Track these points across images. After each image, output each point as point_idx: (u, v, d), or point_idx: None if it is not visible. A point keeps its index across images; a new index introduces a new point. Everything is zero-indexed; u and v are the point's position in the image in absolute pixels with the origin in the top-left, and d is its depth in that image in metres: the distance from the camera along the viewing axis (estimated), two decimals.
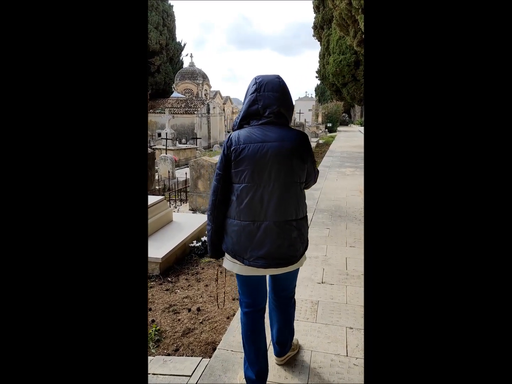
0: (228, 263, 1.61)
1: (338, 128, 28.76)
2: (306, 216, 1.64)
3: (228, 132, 22.26)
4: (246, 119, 1.56)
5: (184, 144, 15.00)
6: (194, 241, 3.79)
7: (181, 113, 18.57)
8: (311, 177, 1.66)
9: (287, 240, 1.52)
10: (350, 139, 17.81)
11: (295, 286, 1.83)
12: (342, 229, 4.19)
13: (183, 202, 6.13)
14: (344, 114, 36.32)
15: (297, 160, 1.52)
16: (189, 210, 5.49)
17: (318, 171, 1.74)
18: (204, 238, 3.86)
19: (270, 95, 1.51)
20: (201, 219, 4.39)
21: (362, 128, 26.43)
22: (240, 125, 1.58)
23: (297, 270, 1.71)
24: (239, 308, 1.77)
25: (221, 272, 2.70)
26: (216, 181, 1.56)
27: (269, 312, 1.84)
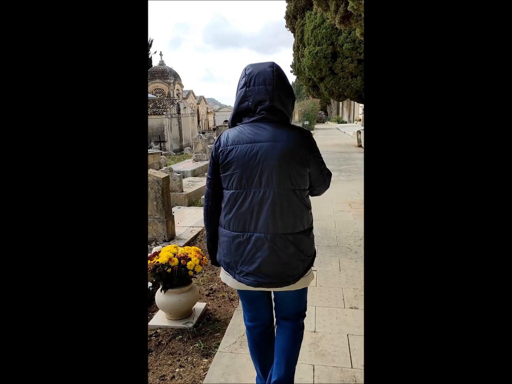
0: (223, 274, 1.49)
1: (315, 126, 27.95)
2: (310, 228, 1.42)
3: (203, 133, 21.31)
4: (239, 117, 1.39)
5: (152, 148, 13.64)
6: None
7: (149, 114, 17.19)
8: (319, 182, 1.44)
9: (281, 257, 1.33)
10: (329, 137, 16.97)
11: (304, 309, 1.57)
12: (334, 269, 2.99)
13: None
14: (320, 111, 35.60)
15: (294, 163, 1.31)
16: None
17: (330, 174, 1.50)
18: None
19: (261, 89, 1.31)
20: None
21: (340, 125, 25.75)
22: (233, 123, 1.42)
23: (303, 290, 1.48)
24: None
25: None
26: (207, 186, 1.46)
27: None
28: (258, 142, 1.30)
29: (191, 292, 2.51)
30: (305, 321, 2.23)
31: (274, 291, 1.47)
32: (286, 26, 14.13)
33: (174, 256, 2.48)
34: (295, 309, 1.53)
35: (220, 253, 1.45)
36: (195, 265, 2.47)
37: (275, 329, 1.59)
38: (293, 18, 13.49)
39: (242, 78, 1.36)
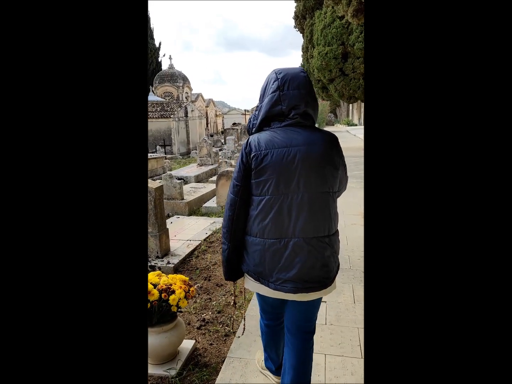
0: (252, 283, 1.43)
1: (325, 129, 27.48)
2: (337, 230, 1.44)
3: (211, 135, 21.09)
4: (267, 121, 1.37)
5: (157, 151, 13.33)
6: None
7: (156, 117, 17.05)
8: (342, 185, 1.47)
9: (320, 260, 1.33)
10: (339, 140, 16.40)
11: (315, 321, 1.56)
12: (347, 301, 2.54)
13: None
14: (330, 114, 35.09)
15: (329, 166, 1.34)
16: None
17: (347, 177, 1.53)
18: None
19: (295, 94, 1.32)
20: None
21: (350, 128, 25.19)
22: (260, 127, 1.40)
23: (321, 298, 1.49)
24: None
25: (240, 292, 2.33)
26: (233, 194, 1.37)
27: (284, 356, 1.56)
28: (294, 146, 1.30)
29: (175, 331, 2.09)
30: (313, 377, 1.80)
31: (293, 304, 1.46)
32: (295, 27, 13.73)
33: (155, 288, 2.06)
34: (316, 315, 1.55)
35: (248, 264, 1.40)
36: (180, 299, 2.05)
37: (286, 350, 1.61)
38: (302, 18, 13.08)
39: (274, 82, 1.35)
